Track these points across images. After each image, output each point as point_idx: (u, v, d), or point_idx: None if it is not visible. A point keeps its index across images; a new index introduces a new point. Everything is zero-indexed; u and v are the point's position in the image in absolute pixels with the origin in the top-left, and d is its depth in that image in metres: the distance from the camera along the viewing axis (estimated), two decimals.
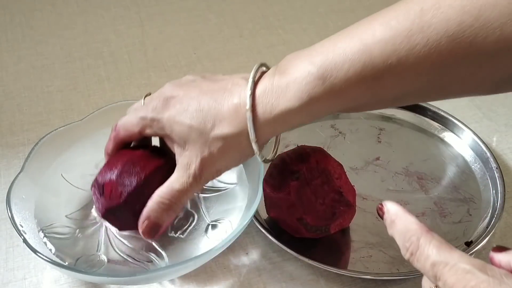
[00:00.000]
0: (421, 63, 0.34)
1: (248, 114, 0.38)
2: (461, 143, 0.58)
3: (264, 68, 0.41)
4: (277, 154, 0.46)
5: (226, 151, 0.40)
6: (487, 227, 0.48)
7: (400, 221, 0.32)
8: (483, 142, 0.56)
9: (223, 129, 0.39)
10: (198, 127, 0.39)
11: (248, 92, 0.38)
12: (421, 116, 0.61)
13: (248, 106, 0.38)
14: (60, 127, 0.51)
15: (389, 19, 0.35)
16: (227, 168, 0.42)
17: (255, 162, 0.49)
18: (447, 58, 0.34)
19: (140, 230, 0.42)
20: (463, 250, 0.47)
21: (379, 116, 0.62)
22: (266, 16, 0.78)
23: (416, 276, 0.46)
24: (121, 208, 0.43)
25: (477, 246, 0.46)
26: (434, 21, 0.33)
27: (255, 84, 0.38)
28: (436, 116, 0.60)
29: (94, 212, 0.49)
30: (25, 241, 0.42)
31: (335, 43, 0.37)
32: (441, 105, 0.61)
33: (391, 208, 0.32)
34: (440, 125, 0.60)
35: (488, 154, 0.55)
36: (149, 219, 0.42)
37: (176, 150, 0.41)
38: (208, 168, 0.41)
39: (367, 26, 0.36)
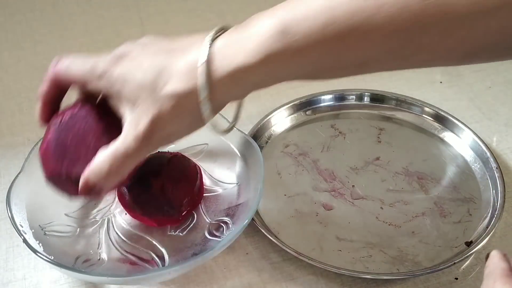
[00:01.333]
0: (388, 23, 0.31)
1: (201, 68, 0.34)
2: (461, 143, 0.58)
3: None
4: (236, 124, 0.42)
5: (177, 112, 0.36)
6: (487, 227, 0.48)
7: (490, 264, 0.33)
8: (483, 142, 0.56)
9: (175, 85, 0.35)
10: (150, 84, 0.36)
11: (206, 46, 0.34)
12: (421, 116, 0.61)
13: (203, 59, 0.34)
14: None
15: None
16: (179, 134, 0.38)
17: (255, 162, 0.49)
18: (417, 20, 0.31)
19: (79, 191, 0.39)
20: (463, 250, 0.47)
21: (379, 116, 0.62)
22: None
23: (416, 276, 0.46)
24: (59, 177, 0.40)
25: (477, 246, 0.46)
26: None
27: (213, 39, 0.35)
28: (436, 116, 0.60)
29: (94, 211, 0.50)
30: (25, 241, 0.42)
31: None
32: (441, 105, 0.61)
33: (491, 254, 0.34)
34: (440, 125, 0.60)
35: (488, 154, 0.55)
36: (88, 181, 0.38)
37: (124, 110, 0.38)
38: (158, 130, 0.36)
39: None
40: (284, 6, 0.34)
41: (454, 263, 0.45)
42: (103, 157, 0.37)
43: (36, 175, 0.48)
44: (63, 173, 0.39)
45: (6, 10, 0.79)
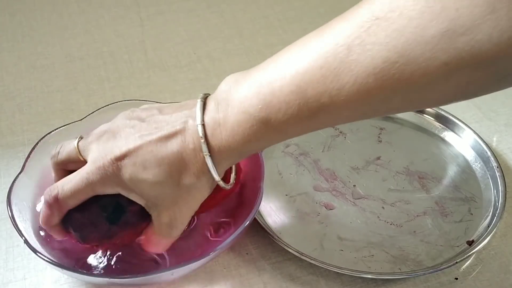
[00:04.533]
0: (352, 100, 0.34)
1: (208, 160, 0.39)
2: (461, 143, 0.58)
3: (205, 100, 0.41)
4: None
5: (198, 194, 0.42)
6: (488, 226, 0.48)
7: None
8: (484, 142, 0.56)
9: (191, 178, 0.40)
10: (166, 182, 0.40)
11: (202, 138, 0.39)
12: (422, 116, 0.61)
13: (205, 151, 0.39)
14: (60, 127, 0.51)
15: (318, 57, 0.35)
16: (200, 203, 0.43)
17: (256, 162, 0.48)
18: (377, 94, 0.34)
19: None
20: (465, 249, 0.47)
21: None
22: (266, 16, 0.78)
23: (418, 275, 0.46)
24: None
25: (478, 245, 0.46)
26: (361, 59, 0.33)
27: (203, 124, 0.39)
28: (436, 116, 0.60)
29: None
30: (26, 241, 0.42)
31: (270, 81, 0.37)
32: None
33: None
34: (441, 125, 0.60)
35: (489, 153, 0.55)
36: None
37: (147, 204, 0.42)
38: (187, 214, 0.42)
39: (299, 62, 0.36)
40: (257, 87, 0.37)
41: (456, 262, 0.45)
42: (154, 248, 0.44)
43: (36, 175, 0.48)
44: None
45: (6, 10, 0.79)
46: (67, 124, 0.51)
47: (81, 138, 0.44)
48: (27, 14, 0.78)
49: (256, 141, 0.38)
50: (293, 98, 0.36)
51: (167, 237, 0.43)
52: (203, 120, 0.39)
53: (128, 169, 0.39)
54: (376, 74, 0.33)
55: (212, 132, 0.39)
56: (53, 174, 0.45)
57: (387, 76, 0.33)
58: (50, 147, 0.49)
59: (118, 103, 0.53)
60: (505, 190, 0.51)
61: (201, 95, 0.41)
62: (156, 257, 0.46)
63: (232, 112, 0.38)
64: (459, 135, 0.59)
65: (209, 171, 0.40)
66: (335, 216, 0.51)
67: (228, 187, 0.43)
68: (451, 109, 0.60)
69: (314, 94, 0.35)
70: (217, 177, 0.40)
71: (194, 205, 0.42)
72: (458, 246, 0.48)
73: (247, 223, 0.44)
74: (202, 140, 0.39)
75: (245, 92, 0.38)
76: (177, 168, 0.39)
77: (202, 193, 0.42)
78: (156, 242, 0.44)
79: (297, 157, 0.57)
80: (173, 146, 0.39)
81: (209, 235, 0.47)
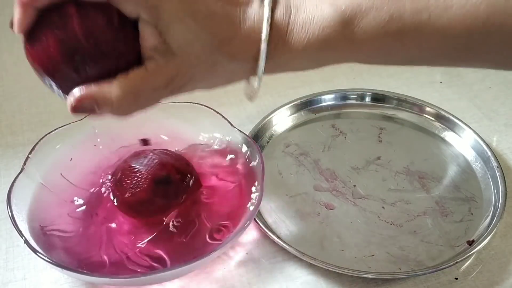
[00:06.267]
0: (452, 26, 0.30)
1: (263, 46, 0.32)
2: (462, 143, 0.58)
3: None
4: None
5: (223, 74, 0.34)
6: (488, 226, 0.48)
7: None
8: (484, 141, 0.56)
9: (234, 52, 0.33)
10: (205, 37, 0.32)
11: (265, 22, 0.32)
12: (422, 116, 0.61)
13: (264, 36, 0.32)
14: (60, 127, 0.51)
15: None
16: (210, 88, 0.35)
17: (256, 162, 0.48)
18: (482, 26, 0.30)
19: (73, 106, 0.34)
20: (465, 249, 0.47)
21: (380, 116, 0.62)
22: None
23: (416, 276, 0.46)
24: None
25: (478, 245, 0.46)
26: None
27: (272, 11, 0.32)
28: (437, 116, 0.60)
29: (96, 211, 0.49)
30: (26, 242, 0.42)
31: None
32: (441, 105, 0.61)
33: None
34: (441, 125, 0.60)
35: (489, 153, 0.55)
36: (84, 101, 0.34)
37: (161, 46, 0.32)
38: (192, 86, 0.34)
39: None
40: None
41: (457, 262, 0.45)
42: (120, 87, 0.33)
43: (36, 175, 0.48)
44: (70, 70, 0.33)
45: (6, 10, 0.79)
46: (67, 124, 0.51)
47: None
48: None
49: (321, 48, 0.32)
50: (386, 6, 0.31)
51: (154, 93, 0.33)
52: (274, 1, 0.32)
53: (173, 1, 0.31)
54: (489, 2, 0.29)
55: (278, 24, 0.32)
56: None
57: (500, 8, 0.29)
58: (50, 147, 0.50)
59: None
60: (505, 190, 0.51)
61: None
62: (156, 259, 0.46)
63: (308, 9, 0.32)
64: (459, 135, 0.59)
65: (255, 60, 0.32)
66: (335, 216, 0.51)
67: (256, 87, 0.35)
68: (450, 109, 0.60)
69: (412, 8, 0.30)
70: (261, 71, 0.33)
71: (207, 82, 0.34)
72: (458, 246, 0.48)
73: (247, 223, 0.44)
74: (266, 23, 0.32)
75: None
76: (223, 33, 0.32)
77: (225, 76, 0.34)
78: (134, 94, 0.33)
79: (297, 157, 0.57)
80: (231, 10, 0.32)
81: (209, 239, 0.47)
